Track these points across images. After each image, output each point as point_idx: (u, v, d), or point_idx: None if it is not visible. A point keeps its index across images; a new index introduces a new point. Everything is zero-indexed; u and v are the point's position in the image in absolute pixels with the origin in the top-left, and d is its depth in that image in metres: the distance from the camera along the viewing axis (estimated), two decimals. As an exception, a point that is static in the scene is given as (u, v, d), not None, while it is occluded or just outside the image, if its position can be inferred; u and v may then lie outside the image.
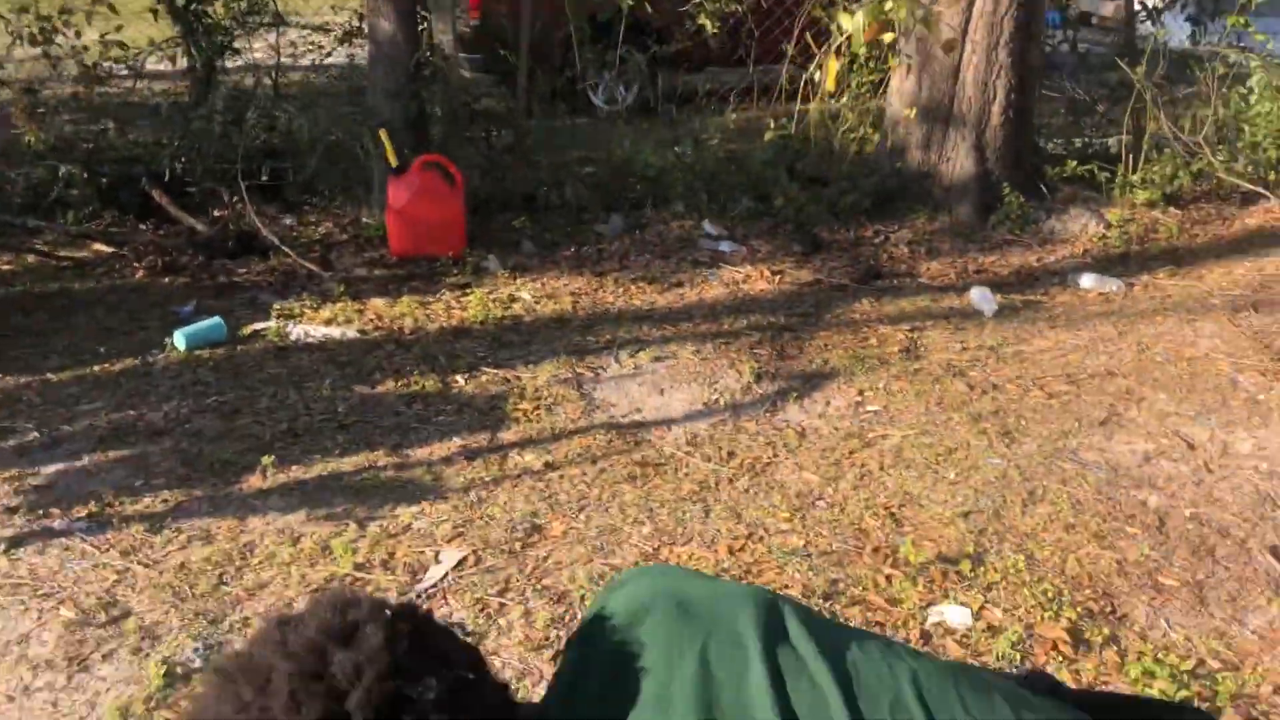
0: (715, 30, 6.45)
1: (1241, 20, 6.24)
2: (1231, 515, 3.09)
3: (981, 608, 2.72)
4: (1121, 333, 4.46)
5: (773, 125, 6.37)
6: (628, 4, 6.01)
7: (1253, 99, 6.15)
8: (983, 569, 2.87)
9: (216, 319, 4.42)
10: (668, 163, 6.31)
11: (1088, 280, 5.06)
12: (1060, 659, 2.54)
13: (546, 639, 2.64)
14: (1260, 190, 6.09)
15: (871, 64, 6.48)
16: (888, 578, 2.82)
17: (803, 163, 6.19)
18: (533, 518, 3.17)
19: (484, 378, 4.11)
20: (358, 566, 2.93)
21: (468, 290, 4.95)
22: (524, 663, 2.57)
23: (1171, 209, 5.95)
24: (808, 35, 6.08)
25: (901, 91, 6.00)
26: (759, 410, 3.85)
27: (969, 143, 5.83)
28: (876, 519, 3.10)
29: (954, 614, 2.67)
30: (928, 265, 5.35)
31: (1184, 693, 2.42)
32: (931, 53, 5.80)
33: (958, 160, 5.89)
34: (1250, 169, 6.18)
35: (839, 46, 5.41)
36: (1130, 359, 4.19)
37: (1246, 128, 6.17)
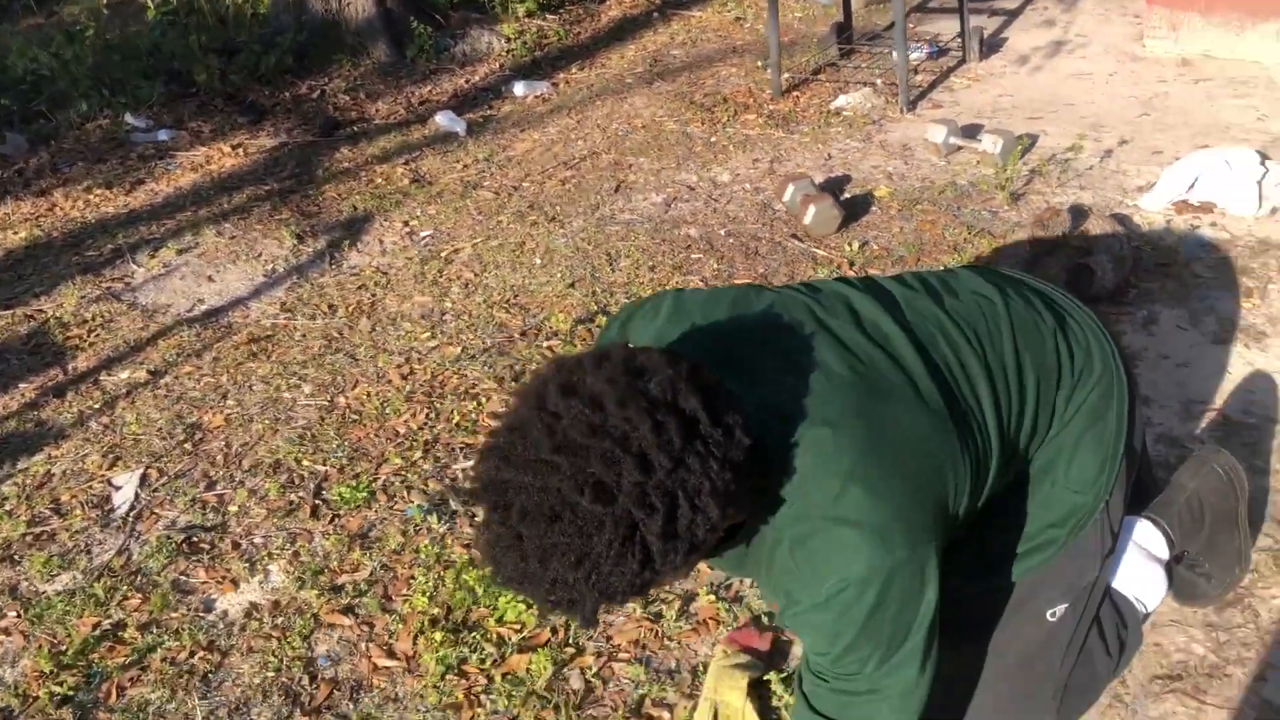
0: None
1: None
2: (752, 225, 3.83)
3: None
4: (579, 121, 5.05)
5: (151, 5, 5.97)
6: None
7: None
8: (608, 320, 3.32)
9: None
10: (44, 64, 5.69)
11: (520, 88, 5.58)
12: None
13: (290, 503, 2.64)
14: (611, -14, 6.99)
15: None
16: (550, 349, 3.16)
17: (205, 36, 5.90)
18: (180, 420, 3.02)
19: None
20: (31, 523, 2.63)
21: (-110, 245, 4.21)
22: (284, 528, 2.56)
23: (549, 15, 6.64)
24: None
25: (284, -56, 5.92)
26: (323, 266, 3.88)
27: (364, -15, 5.97)
28: (506, 312, 3.40)
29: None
30: (375, 106, 5.51)
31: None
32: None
33: (357, 4, 6.01)
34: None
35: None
36: (601, 139, 4.80)
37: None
